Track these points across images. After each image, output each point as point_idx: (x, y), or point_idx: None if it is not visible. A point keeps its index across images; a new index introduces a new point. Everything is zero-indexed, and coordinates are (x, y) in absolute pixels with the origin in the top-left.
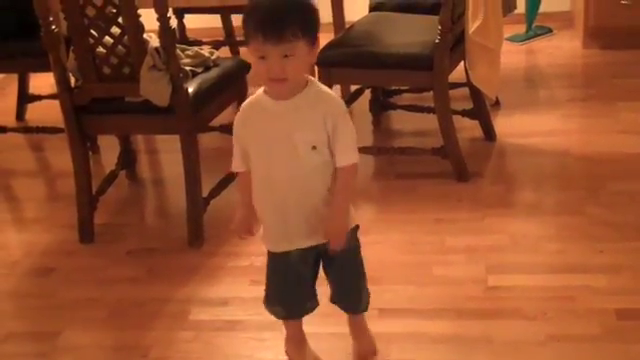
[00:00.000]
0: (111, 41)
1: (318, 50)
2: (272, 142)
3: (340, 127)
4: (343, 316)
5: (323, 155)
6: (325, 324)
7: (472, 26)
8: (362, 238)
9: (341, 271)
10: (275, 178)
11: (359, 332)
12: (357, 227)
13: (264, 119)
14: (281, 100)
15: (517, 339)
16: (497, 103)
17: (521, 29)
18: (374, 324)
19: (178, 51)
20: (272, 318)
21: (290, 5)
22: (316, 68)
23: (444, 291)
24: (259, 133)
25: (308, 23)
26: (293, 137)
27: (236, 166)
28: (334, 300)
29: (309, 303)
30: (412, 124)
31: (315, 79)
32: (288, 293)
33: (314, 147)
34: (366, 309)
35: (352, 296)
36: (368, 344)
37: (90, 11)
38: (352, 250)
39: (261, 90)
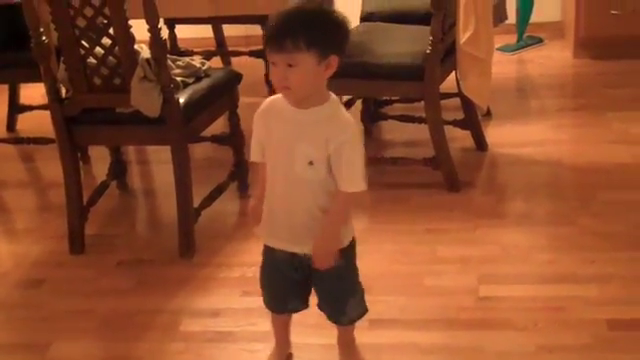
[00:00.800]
0: (102, 52)
1: (334, 64)
2: (278, 144)
3: (347, 153)
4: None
5: (319, 173)
6: (317, 335)
7: (463, 36)
8: None
9: (323, 283)
10: (274, 178)
11: (344, 348)
12: (350, 246)
13: (278, 119)
14: (298, 108)
15: (508, 350)
16: (488, 113)
17: (512, 39)
18: (364, 335)
19: (169, 62)
20: (264, 329)
21: (304, 17)
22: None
23: (435, 302)
24: (272, 130)
25: (317, 37)
26: (294, 147)
27: (252, 156)
28: (318, 306)
29: (292, 303)
30: (403, 134)
31: (337, 100)
32: (271, 283)
33: (311, 162)
34: (350, 323)
35: (334, 307)
36: None
37: (81, 22)
38: (339, 267)
39: None
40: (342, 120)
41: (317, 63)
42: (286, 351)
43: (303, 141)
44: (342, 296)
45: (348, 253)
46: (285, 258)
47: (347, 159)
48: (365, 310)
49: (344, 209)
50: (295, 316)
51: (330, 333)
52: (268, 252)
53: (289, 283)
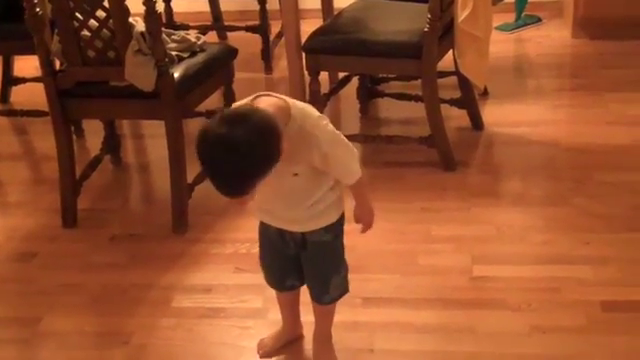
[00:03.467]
0: (96, 24)
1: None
2: None
3: (331, 154)
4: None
5: (307, 178)
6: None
7: (461, 15)
8: (348, 226)
9: (310, 261)
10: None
11: (319, 345)
12: (338, 222)
13: None
14: None
15: (502, 330)
16: (485, 92)
17: (510, 18)
18: (358, 313)
19: (164, 36)
20: (256, 306)
21: (231, 164)
22: (304, 55)
23: (429, 281)
24: None
25: (258, 173)
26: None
27: None
28: (305, 283)
29: (290, 279)
30: (399, 112)
31: (295, 115)
32: (268, 259)
33: (295, 174)
34: (332, 302)
35: (319, 283)
36: (322, 344)
37: None
38: (325, 244)
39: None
40: (310, 134)
41: (257, 184)
42: (295, 332)
43: (281, 162)
44: (327, 272)
45: (336, 229)
46: (278, 234)
47: (335, 162)
48: (346, 290)
49: (362, 191)
50: (305, 296)
51: (340, 309)
52: (263, 229)
53: (284, 259)
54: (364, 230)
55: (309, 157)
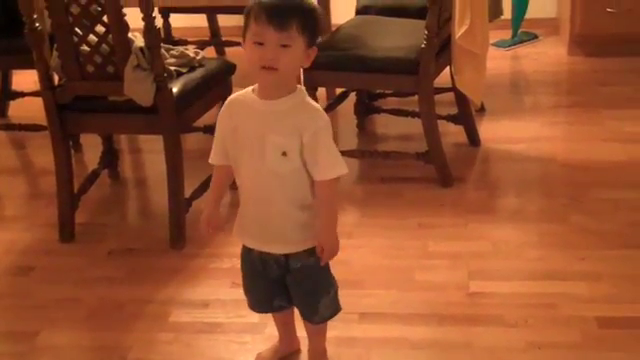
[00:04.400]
0: (95, 39)
1: (312, 56)
2: (247, 140)
3: (322, 141)
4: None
5: (293, 162)
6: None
7: (458, 31)
8: (345, 241)
9: (295, 286)
10: (243, 178)
11: (311, 346)
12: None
13: (246, 114)
14: (266, 99)
15: (498, 345)
16: (482, 109)
17: (507, 35)
18: (354, 328)
19: (163, 51)
20: (253, 320)
21: (299, 1)
22: (301, 71)
23: (426, 296)
24: (238, 127)
25: (311, 24)
26: (265, 139)
27: (212, 158)
28: (293, 303)
29: (277, 300)
30: (396, 128)
31: (303, 90)
32: (252, 285)
33: (284, 153)
34: (322, 321)
35: (307, 306)
36: None
37: (74, 9)
38: (309, 268)
39: (250, 88)
40: (313, 108)
41: (305, 49)
42: (292, 347)
43: (274, 132)
44: (315, 295)
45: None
46: (260, 258)
47: (325, 145)
48: (337, 309)
49: (332, 196)
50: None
51: (336, 325)
52: (245, 254)
53: (267, 282)
54: (324, 260)
55: (300, 127)
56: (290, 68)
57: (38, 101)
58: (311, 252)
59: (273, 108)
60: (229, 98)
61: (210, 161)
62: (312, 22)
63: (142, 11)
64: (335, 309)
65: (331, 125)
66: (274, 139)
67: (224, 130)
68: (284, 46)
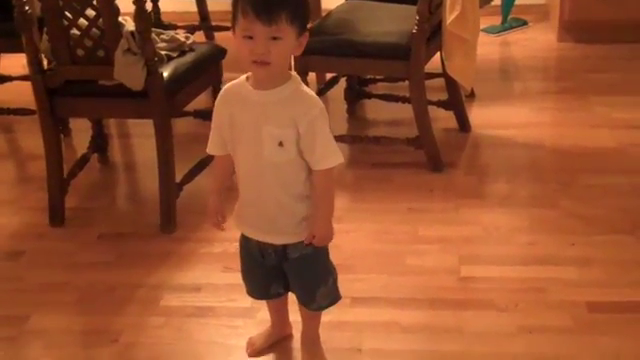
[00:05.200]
0: (85, 23)
1: (304, 43)
2: (244, 131)
3: (319, 130)
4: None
5: (289, 153)
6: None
7: (449, 17)
8: (335, 226)
9: (293, 274)
10: (241, 168)
11: (307, 346)
12: None
13: (242, 105)
14: (260, 90)
15: (488, 330)
16: (472, 94)
17: (497, 21)
18: (346, 313)
19: (153, 35)
20: (245, 305)
21: None
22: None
23: (416, 281)
24: (235, 117)
25: (300, 12)
26: (261, 130)
27: (210, 149)
28: (290, 289)
29: (274, 287)
30: (387, 113)
31: (297, 77)
32: (250, 273)
33: (281, 143)
34: (319, 309)
35: (303, 295)
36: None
37: None
38: (307, 257)
39: (244, 76)
40: (307, 96)
41: (296, 39)
42: (284, 331)
43: (269, 123)
44: (312, 284)
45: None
46: (258, 247)
47: (321, 134)
48: (336, 299)
49: (329, 186)
50: (292, 295)
51: (327, 310)
52: (244, 242)
53: (265, 270)
54: (317, 242)
55: (296, 117)
56: (282, 60)
57: (26, 85)
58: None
59: (268, 99)
60: (224, 87)
61: (208, 151)
62: (301, 10)
63: None
64: (333, 298)
65: (326, 111)
66: (270, 130)
67: (220, 120)
68: (274, 38)
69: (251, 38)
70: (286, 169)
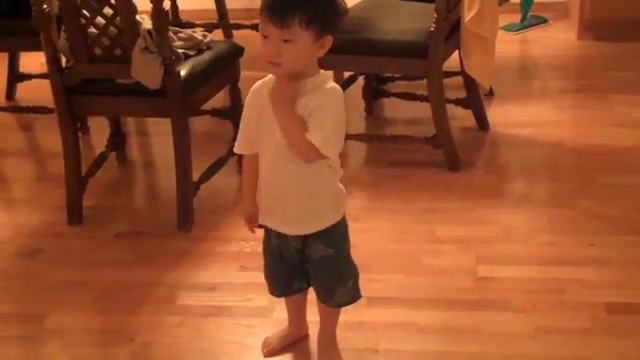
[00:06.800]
0: (103, 22)
1: (328, 45)
2: (265, 126)
3: (322, 113)
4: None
5: None
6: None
7: (468, 15)
8: (352, 225)
9: (314, 274)
10: (264, 162)
11: (324, 346)
12: (339, 232)
13: (266, 102)
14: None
15: (506, 331)
16: (490, 93)
17: (516, 18)
18: (363, 313)
19: (171, 33)
20: (261, 304)
21: None
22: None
23: (434, 281)
24: (260, 116)
25: (318, 16)
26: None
27: (238, 147)
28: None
29: (296, 284)
30: (405, 112)
31: (326, 74)
32: (272, 268)
33: None
34: (338, 307)
35: (323, 291)
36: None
37: None
38: (327, 259)
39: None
40: (325, 89)
41: (312, 42)
42: (301, 332)
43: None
44: (332, 284)
45: (337, 240)
46: (278, 237)
47: (321, 118)
48: (356, 297)
49: (304, 150)
50: (312, 295)
51: (344, 309)
52: (266, 241)
53: (288, 267)
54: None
55: (308, 105)
56: (294, 62)
57: (45, 83)
58: (329, 242)
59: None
60: (253, 86)
61: (235, 150)
62: (320, 14)
63: None
64: (352, 297)
65: (343, 108)
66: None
67: (248, 119)
68: (286, 41)
69: (266, 38)
70: (302, 164)
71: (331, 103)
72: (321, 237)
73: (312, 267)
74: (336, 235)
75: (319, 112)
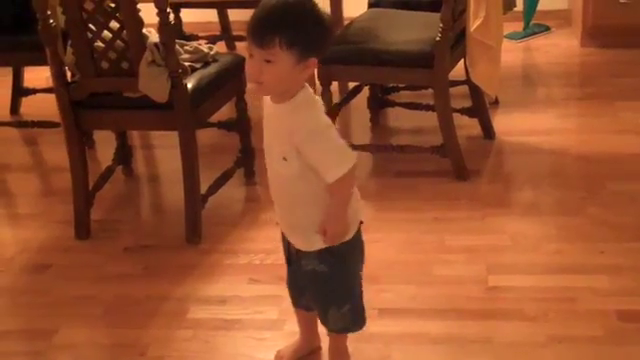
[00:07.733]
0: (110, 35)
1: (312, 67)
2: (265, 140)
3: (316, 146)
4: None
5: (292, 168)
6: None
7: (473, 24)
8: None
9: (306, 283)
10: (268, 173)
11: (334, 357)
12: (337, 252)
13: (266, 117)
14: (273, 103)
15: (517, 340)
16: (496, 101)
17: (519, 27)
18: (374, 324)
19: (177, 46)
20: (272, 317)
21: (289, 14)
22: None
23: (444, 291)
24: (265, 122)
25: (300, 38)
26: (272, 143)
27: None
28: None
29: (303, 300)
30: (411, 122)
31: (306, 92)
32: (288, 273)
33: (284, 158)
34: (336, 332)
35: (316, 310)
36: None
37: (88, 5)
38: (318, 275)
39: None
40: (304, 112)
41: (295, 63)
42: (313, 344)
43: (275, 137)
44: (323, 302)
45: (331, 260)
46: (286, 245)
47: (319, 150)
48: (349, 328)
49: (342, 195)
50: None
51: None
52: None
53: (296, 276)
54: (325, 241)
55: (292, 131)
56: (275, 82)
57: (50, 97)
58: (322, 258)
59: (276, 112)
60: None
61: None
62: (303, 34)
63: (157, 6)
64: (347, 325)
65: (327, 123)
66: (276, 144)
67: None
68: (268, 61)
69: (251, 57)
70: (294, 182)
71: (317, 130)
72: (316, 251)
73: (302, 279)
74: (334, 254)
75: (311, 145)
